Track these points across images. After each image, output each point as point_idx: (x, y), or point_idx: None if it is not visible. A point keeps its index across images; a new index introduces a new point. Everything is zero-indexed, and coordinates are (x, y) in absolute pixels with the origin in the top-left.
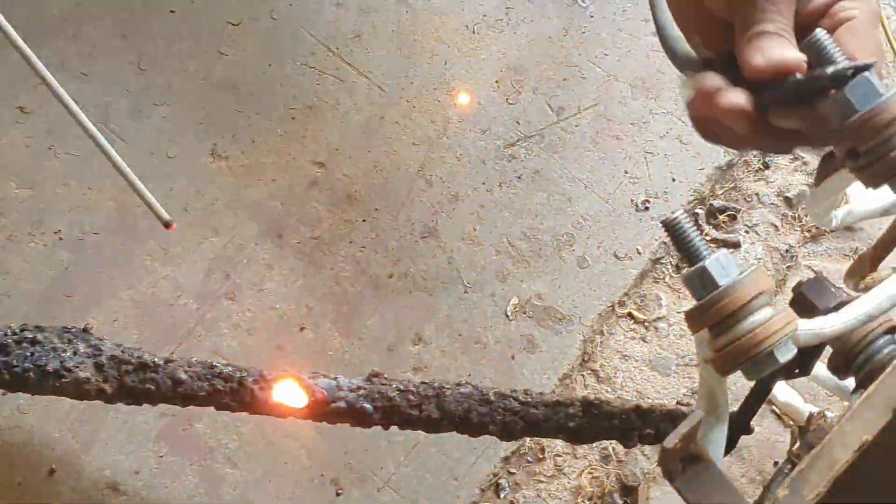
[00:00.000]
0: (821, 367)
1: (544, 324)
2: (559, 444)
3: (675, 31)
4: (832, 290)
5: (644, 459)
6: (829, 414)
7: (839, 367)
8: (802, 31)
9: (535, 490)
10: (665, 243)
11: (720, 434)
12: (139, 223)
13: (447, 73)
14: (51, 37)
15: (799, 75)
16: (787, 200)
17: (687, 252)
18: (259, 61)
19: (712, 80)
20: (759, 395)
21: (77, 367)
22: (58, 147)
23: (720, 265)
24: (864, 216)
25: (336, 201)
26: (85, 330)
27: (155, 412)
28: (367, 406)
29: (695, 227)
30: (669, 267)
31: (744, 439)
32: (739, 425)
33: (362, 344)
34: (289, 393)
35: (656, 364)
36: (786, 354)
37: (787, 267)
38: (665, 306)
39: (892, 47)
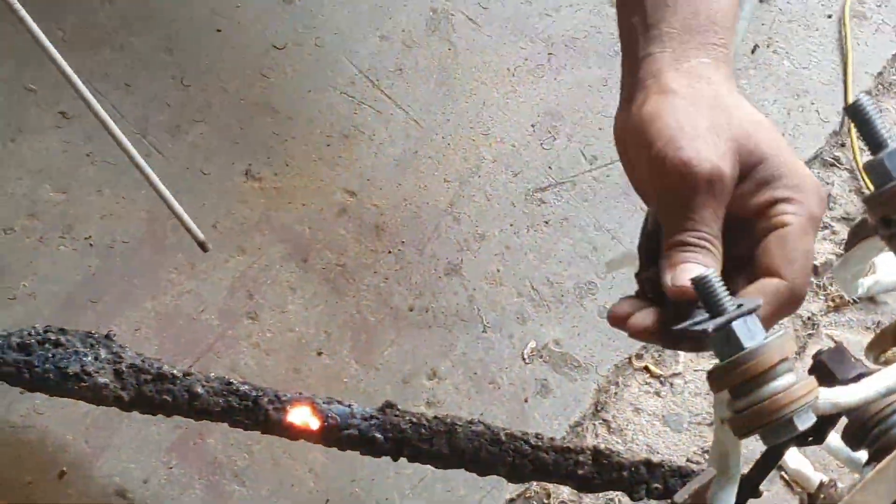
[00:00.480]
0: (834, 438)
1: (560, 370)
2: (565, 491)
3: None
4: (853, 360)
5: None
6: (839, 484)
7: (853, 438)
8: (741, 227)
9: None
10: None
11: (730, 495)
12: (169, 236)
13: (484, 114)
14: (97, 47)
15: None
16: (814, 268)
17: (714, 309)
18: (299, 86)
19: (620, 307)
20: (770, 460)
21: (97, 372)
22: (95, 154)
23: (747, 328)
24: (891, 287)
25: (364, 231)
26: (108, 336)
27: (168, 424)
28: (379, 436)
29: (723, 285)
30: None
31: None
32: (749, 488)
33: (378, 374)
34: (302, 416)
35: (669, 420)
36: (805, 422)
37: (808, 335)
38: (682, 363)
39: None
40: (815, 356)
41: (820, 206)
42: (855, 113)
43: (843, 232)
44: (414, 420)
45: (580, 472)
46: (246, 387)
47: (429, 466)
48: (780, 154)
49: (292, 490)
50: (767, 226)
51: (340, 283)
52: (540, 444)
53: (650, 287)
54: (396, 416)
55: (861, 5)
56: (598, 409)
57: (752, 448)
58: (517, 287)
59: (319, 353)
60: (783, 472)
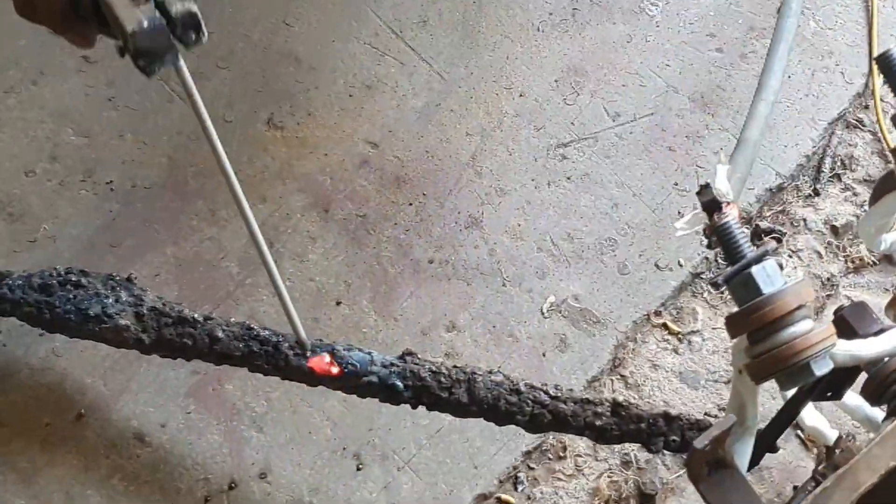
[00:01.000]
0: (851, 397)
1: (578, 325)
2: (581, 445)
3: None
4: (873, 316)
5: (664, 469)
6: (858, 437)
7: (872, 394)
8: None
9: (553, 487)
10: (707, 258)
11: (747, 445)
12: (190, 182)
13: (507, 68)
14: None
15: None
16: (834, 229)
17: (732, 255)
18: (323, 36)
19: None
20: (787, 415)
21: (118, 314)
22: (117, 99)
23: (766, 273)
24: None
25: (385, 182)
26: (129, 279)
27: (187, 369)
28: (399, 383)
29: (744, 232)
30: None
31: (766, 461)
32: (766, 443)
33: (396, 325)
34: (322, 362)
35: (686, 377)
36: (822, 368)
37: (827, 295)
38: (701, 321)
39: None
40: (837, 311)
41: None
42: (884, 64)
43: (865, 194)
44: (434, 368)
45: (598, 423)
46: (266, 332)
47: (445, 417)
48: None
49: (310, 437)
50: None
51: (361, 234)
52: (559, 394)
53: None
54: (416, 364)
55: None
56: (616, 364)
57: (769, 407)
58: (537, 242)
59: (339, 303)
60: (799, 432)
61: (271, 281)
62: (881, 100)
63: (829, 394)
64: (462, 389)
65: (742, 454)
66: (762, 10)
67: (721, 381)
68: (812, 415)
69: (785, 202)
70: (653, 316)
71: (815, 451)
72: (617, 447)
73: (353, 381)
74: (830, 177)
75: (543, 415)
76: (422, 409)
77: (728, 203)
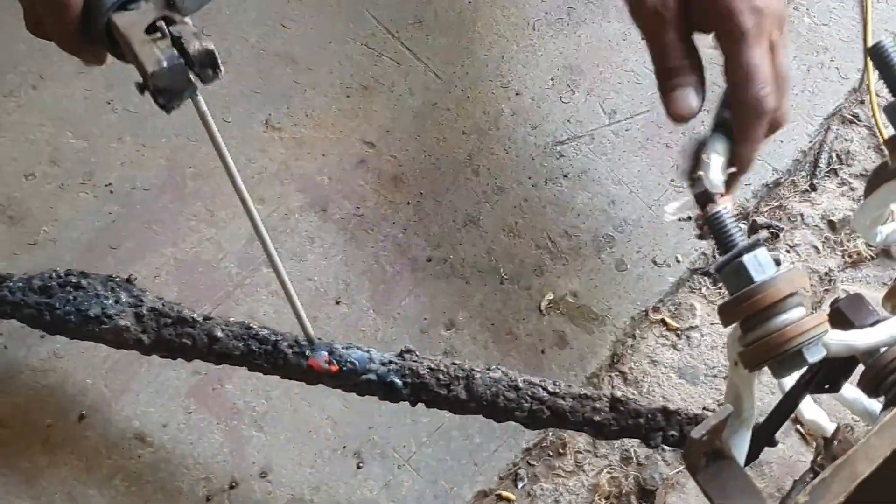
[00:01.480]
0: (849, 390)
1: (577, 322)
2: (581, 441)
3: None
4: (870, 308)
5: (664, 465)
6: (856, 428)
7: (870, 385)
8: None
9: (554, 484)
10: (705, 254)
11: (744, 437)
12: (189, 184)
13: (503, 67)
14: None
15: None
16: (831, 224)
17: (725, 244)
18: (320, 37)
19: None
20: (785, 409)
21: (118, 315)
22: (116, 102)
23: (757, 262)
24: None
25: (382, 182)
26: (129, 280)
27: (187, 369)
28: (397, 381)
29: (736, 222)
30: (707, 278)
31: (766, 456)
32: (764, 436)
33: (395, 323)
34: (321, 360)
35: (685, 372)
36: (815, 355)
37: (825, 290)
38: (699, 316)
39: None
40: (833, 303)
41: (749, 18)
42: (876, 55)
43: (862, 189)
44: (432, 366)
45: (597, 418)
46: (265, 331)
47: (445, 415)
48: None
49: (310, 436)
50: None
51: (359, 234)
52: (557, 390)
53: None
54: (415, 361)
55: None
56: (615, 361)
57: (768, 402)
58: (535, 239)
59: (338, 302)
60: (798, 426)
61: (275, 271)
62: (877, 95)
63: (826, 386)
64: (460, 386)
65: (739, 446)
66: None
67: (720, 376)
68: (811, 408)
69: (782, 198)
70: (651, 312)
71: (814, 444)
72: (616, 443)
73: (352, 378)
74: (827, 172)
75: (542, 411)
76: (422, 407)
77: (721, 195)
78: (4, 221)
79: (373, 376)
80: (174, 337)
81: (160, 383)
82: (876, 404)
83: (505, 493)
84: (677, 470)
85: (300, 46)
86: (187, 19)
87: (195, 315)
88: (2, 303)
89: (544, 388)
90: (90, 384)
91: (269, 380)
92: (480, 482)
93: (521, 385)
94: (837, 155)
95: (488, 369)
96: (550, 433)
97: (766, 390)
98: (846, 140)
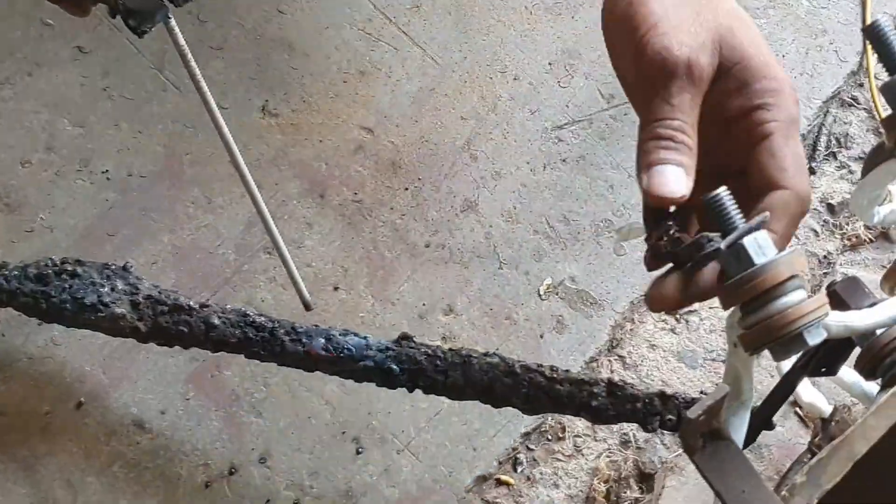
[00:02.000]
0: (847, 372)
1: (576, 306)
2: (580, 425)
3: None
4: (866, 290)
5: (663, 448)
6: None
7: (867, 367)
8: (721, 131)
9: (553, 468)
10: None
11: (742, 419)
12: (186, 170)
13: (501, 52)
14: None
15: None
16: (830, 207)
17: (724, 227)
18: (316, 23)
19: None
20: (783, 392)
21: (114, 302)
22: (112, 89)
23: (757, 244)
24: None
25: (380, 167)
26: (125, 268)
27: (185, 356)
28: (395, 367)
29: (734, 203)
30: None
31: (765, 438)
32: (762, 419)
33: (394, 309)
34: (319, 347)
35: (684, 356)
36: (815, 338)
37: (824, 273)
38: None
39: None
40: (829, 286)
41: (796, 106)
42: (872, 34)
43: (860, 172)
44: (429, 352)
45: (594, 403)
46: (262, 318)
47: (444, 400)
48: (759, 54)
49: (309, 422)
50: (748, 132)
51: (357, 219)
52: (555, 375)
53: (666, 244)
54: (412, 347)
55: None
56: (614, 345)
57: (767, 385)
58: (533, 224)
59: (336, 288)
60: (797, 409)
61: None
62: (875, 77)
63: (823, 369)
64: (458, 372)
65: (737, 427)
66: None
67: (719, 359)
68: (808, 390)
69: None
70: None
71: (812, 427)
72: (615, 427)
73: (349, 365)
74: (826, 155)
75: (539, 396)
76: (420, 392)
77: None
78: (1, 209)
79: (370, 363)
80: (171, 325)
81: (159, 370)
82: (874, 387)
83: (504, 478)
84: (676, 453)
85: (297, 32)
86: None
87: (191, 302)
88: None
89: (541, 374)
90: (88, 371)
91: (268, 366)
92: (480, 467)
93: (518, 371)
94: (836, 138)
95: (486, 355)
96: (549, 417)
97: (766, 373)
98: (845, 123)
